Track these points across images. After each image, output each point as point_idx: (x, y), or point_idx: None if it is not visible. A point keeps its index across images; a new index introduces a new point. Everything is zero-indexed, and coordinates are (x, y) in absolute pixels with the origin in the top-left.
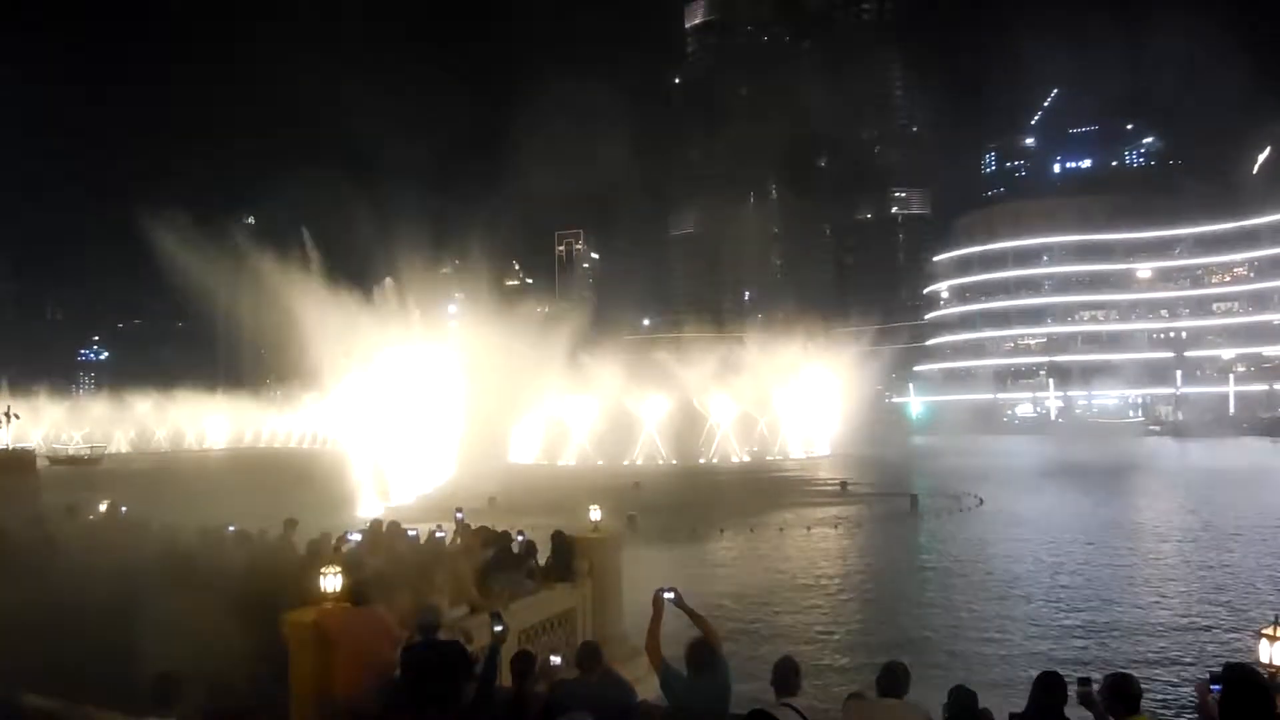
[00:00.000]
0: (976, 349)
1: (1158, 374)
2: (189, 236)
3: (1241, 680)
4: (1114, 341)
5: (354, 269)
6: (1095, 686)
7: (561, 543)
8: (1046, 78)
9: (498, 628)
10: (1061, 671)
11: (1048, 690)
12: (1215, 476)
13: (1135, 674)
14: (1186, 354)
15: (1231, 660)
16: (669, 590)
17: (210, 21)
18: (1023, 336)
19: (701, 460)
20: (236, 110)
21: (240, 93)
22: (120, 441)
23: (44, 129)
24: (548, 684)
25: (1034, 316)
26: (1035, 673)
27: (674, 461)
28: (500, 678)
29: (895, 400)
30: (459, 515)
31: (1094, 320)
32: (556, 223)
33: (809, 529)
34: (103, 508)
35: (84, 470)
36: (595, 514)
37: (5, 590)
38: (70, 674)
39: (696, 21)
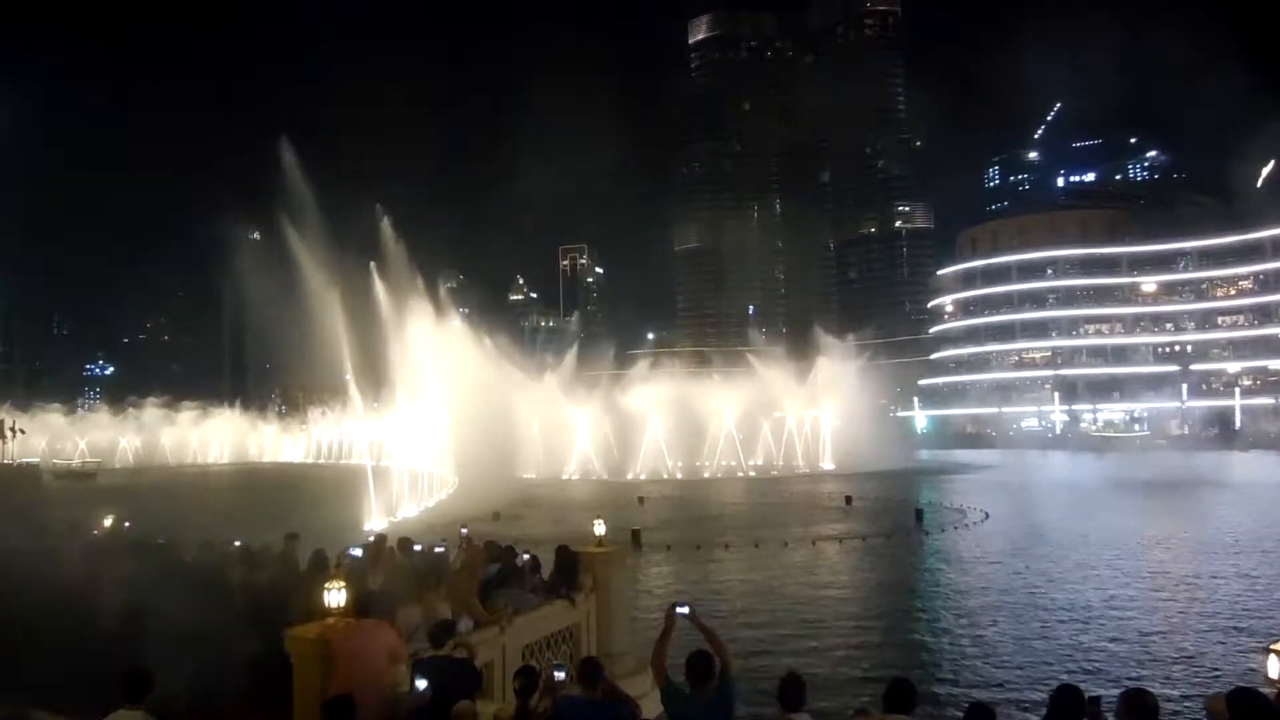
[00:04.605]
0: (981, 363)
1: (1163, 388)
2: (194, 251)
3: (1253, 709)
4: (1119, 355)
5: (357, 283)
6: (1106, 706)
7: (566, 558)
8: (1049, 91)
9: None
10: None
11: (1065, 706)
12: (1235, 491)
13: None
14: (1192, 367)
15: (1239, 683)
16: (683, 605)
17: (211, 30)
18: (1027, 350)
19: (706, 474)
20: (237, 121)
21: (242, 102)
22: (124, 455)
23: (49, 144)
24: (551, 699)
25: (1038, 330)
26: (1045, 689)
27: (678, 476)
28: (503, 693)
29: (900, 414)
30: (464, 531)
31: (1099, 334)
32: (560, 237)
33: (813, 544)
34: (107, 523)
35: (81, 485)
36: (599, 529)
37: (10, 607)
38: (77, 690)
39: (700, 36)
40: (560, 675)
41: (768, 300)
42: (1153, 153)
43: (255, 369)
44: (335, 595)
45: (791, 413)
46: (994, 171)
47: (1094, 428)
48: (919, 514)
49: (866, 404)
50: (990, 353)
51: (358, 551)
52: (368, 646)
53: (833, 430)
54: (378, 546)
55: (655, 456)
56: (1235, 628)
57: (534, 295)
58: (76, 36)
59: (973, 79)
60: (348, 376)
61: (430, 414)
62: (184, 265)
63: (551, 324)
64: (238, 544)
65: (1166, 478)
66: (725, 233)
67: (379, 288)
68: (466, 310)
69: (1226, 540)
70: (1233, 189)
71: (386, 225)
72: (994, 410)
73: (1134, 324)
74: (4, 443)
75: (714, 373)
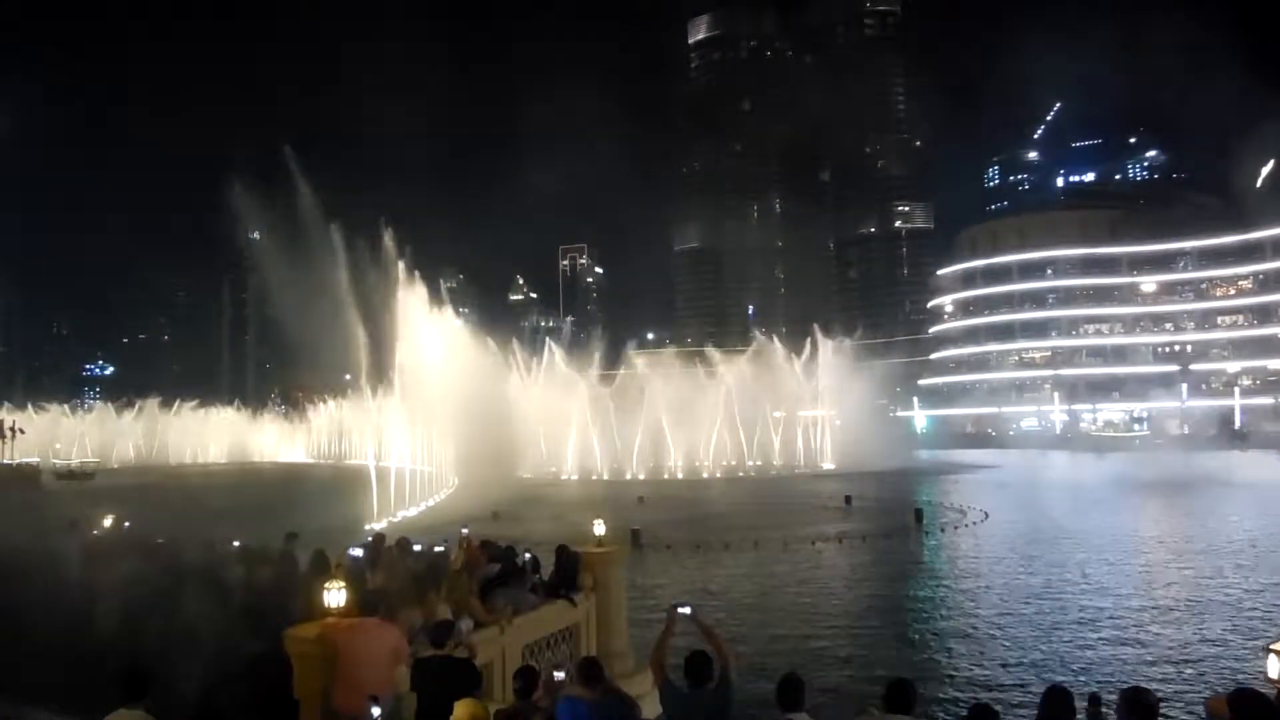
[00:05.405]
0: (981, 363)
1: (1163, 388)
2: (194, 251)
3: (1254, 709)
4: (1119, 355)
5: (358, 284)
6: (1106, 705)
7: (566, 557)
8: (1049, 91)
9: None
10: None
11: (1056, 705)
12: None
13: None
14: (1191, 367)
15: (1239, 682)
16: (684, 605)
17: (211, 30)
18: (1027, 350)
19: (705, 474)
20: (238, 121)
21: (243, 102)
22: (123, 456)
23: (50, 144)
24: (551, 699)
25: (1038, 330)
26: (1041, 689)
27: (678, 475)
28: (503, 693)
29: (900, 414)
30: (464, 531)
31: (1099, 334)
32: (561, 237)
33: (813, 543)
34: (106, 523)
35: (79, 485)
36: (599, 528)
37: (10, 606)
38: (77, 690)
39: (699, 36)
40: (560, 675)
41: (767, 300)
42: (1152, 153)
43: (255, 369)
44: (335, 595)
45: (790, 412)
46: (994, 171)
47: (1094, 428)
48: (918, 514)
49: (866, 404)
50: (990, 353)
51: (358, 551)
52: (370, 646)
53: (833, 430)
54: (377, 546)
55: (655, 456)
56: (1236, 627)
57: (534, 295)
58: (77, 35)
59: (973, 79)
60: (348, 377)
61: (430, 414)
62: (184, 265)
63: (551, 324)
64: (237, 544)
65: (1166, 478)
66: (725, 232)
67: (378, 288)
68: (466, 310)
69: (1227, 540)
70: (1232, 189)
71: (388, 238)
72: (994, 410)
73: (1134, 324)
74: (4, 443)
75: (714, 372)
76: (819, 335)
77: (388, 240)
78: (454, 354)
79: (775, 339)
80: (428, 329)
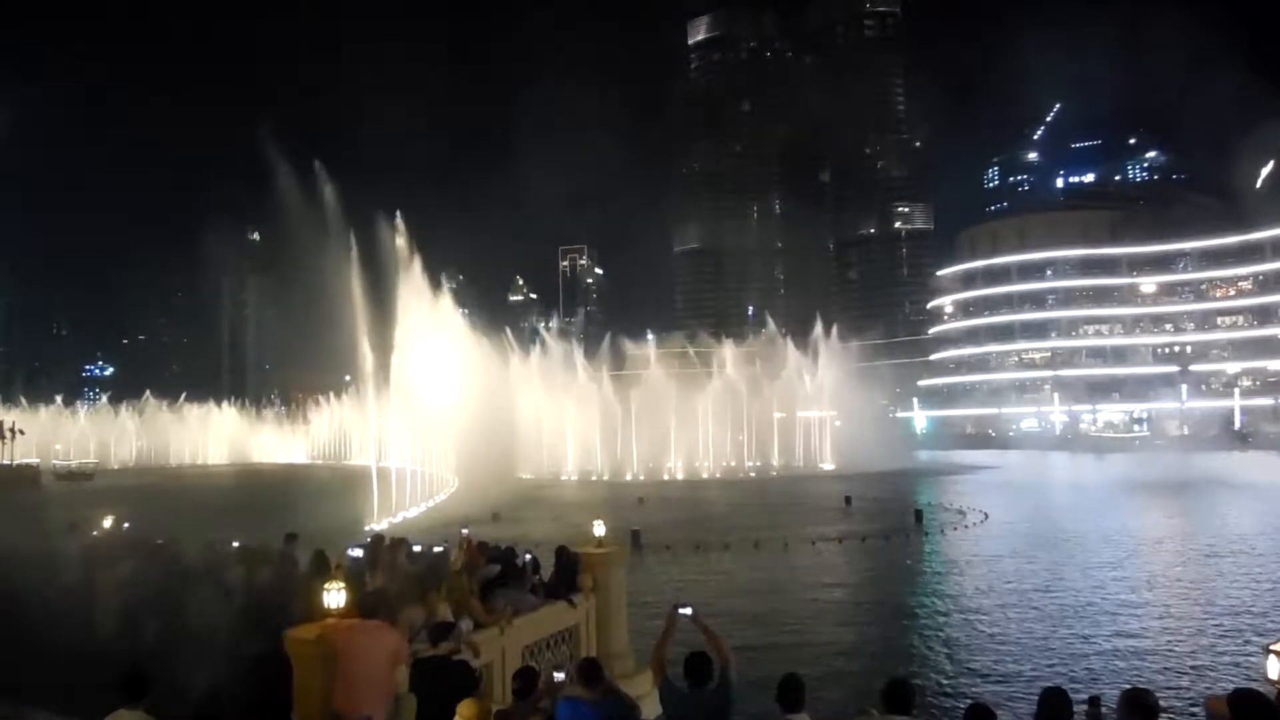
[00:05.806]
0: (981, 363)
1: (1162, 388)
2: (194, 251)
3: (1254, 710)
4: (1119, 356)
5: (357, 280)
6: (1105, 706)
7: (566, 558)
8: (1049, 91)
9: None
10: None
11: (1053, 707)
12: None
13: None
14: (1191, 368)
15: (1239, 682)
16: (685, 606)
17: (210, 30)
18: (1027, 351)
19: (705, 475)
20: (239, 121)
21: (243, 102)
22: (123, 457)
23: (51, 144)
24: (551, 700)
25: (1038, 331)
26: (1038, 691)
27: (678, 476)
28: (503, 694)
29: (900, 414)
30: (465, 532)
31: (1098, 334)
32: (561, 238)
33: (813, 544)
34: (106, 524)
35: (79, 486)
36: (599, 529)
37: (9, 607)
38: (77, 690)
39: (699, 37)
40: (560, 676)
41: (768, 300)
42: (1152, 153)
43: (255, 369)
44: (335, 596)
45: (790, 413)
46: (994, 172)
47: (1094, 428)
48: (918, 515)
49: (867, 404)
50: (990, 353)
51: (358, 552)
52: (369, 647)
53: (833, 431)
54: (377, 547)
55: (655, 457)
56: (1236, 627)
57: (534, 296)
58: (77, 35)
59: (973, 79)
60: (348, 377)
61: (430, 414)
62: (184, 265)
63: (551, 324)
64: (237, 544)
65: (1167, 479)
66: (725, 233)
67: (379, 282)
68: (466, 311)
69: (1227, 541)
70: (1232, 189)
71: (387, 227)
72: (994, 411)
73: (1134, 324)
74: (3, 443)
75: (713, 373)
76: (819, 336)
77: (385, 229)
78: (454, 354)
79: (774, 339)
80: (428, 328)
